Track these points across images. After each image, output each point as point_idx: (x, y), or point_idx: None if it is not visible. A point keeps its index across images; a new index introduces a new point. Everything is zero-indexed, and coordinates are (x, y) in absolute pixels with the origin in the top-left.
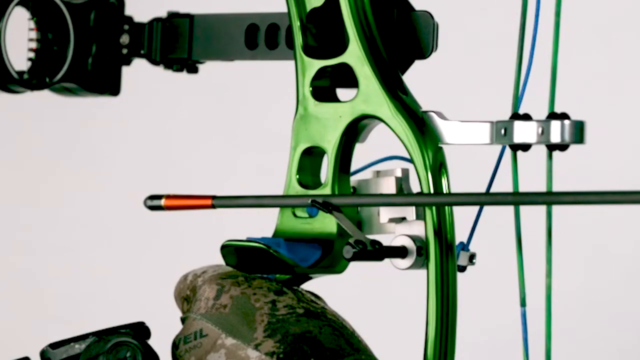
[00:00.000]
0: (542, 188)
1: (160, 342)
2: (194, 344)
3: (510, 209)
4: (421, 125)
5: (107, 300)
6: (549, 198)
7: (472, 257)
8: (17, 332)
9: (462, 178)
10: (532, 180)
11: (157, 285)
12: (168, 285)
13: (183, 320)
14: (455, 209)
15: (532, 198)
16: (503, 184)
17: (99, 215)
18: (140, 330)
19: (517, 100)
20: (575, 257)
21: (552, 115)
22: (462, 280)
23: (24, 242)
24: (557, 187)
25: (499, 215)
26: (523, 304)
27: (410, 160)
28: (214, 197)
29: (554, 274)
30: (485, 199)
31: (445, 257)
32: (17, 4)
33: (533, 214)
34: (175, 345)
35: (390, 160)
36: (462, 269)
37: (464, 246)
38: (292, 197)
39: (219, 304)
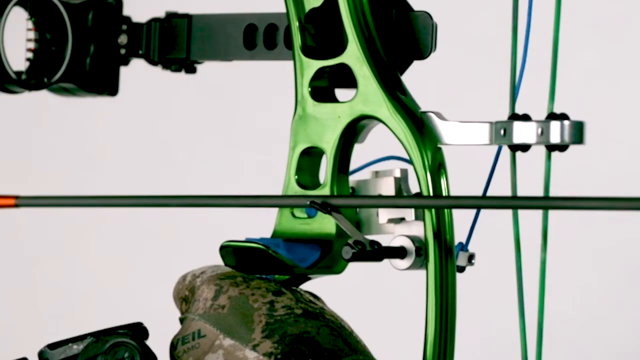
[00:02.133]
0: (541, 188)
1: (159, 343)
2: (192, 344)
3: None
4: (420, 125)
5: (105, 301)
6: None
7: (471, 258)
8: (16, 333)
9: (461, 178)
10: (531, 181)
11: (155, 286)
12: (166, 285)
13: (181, 320)
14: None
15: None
16: (502, 184)
17: (98, 215)
18: (138, 331)
19: (513, 100)
20: (574, 258)
21: (552, 116)
22: (461, 280)
23: (23, 242)
24: (556, 188)
25: (499, 215)
26: (525, 358)
27: (409, 161)
28: (17, 197)
29: (554, 274)
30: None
31: (444, 258)
32: (15, 4)
33: (532, 214)
34: (173, 346)
35: (388, 160)
36: (461, 269)
37: (463, 246)
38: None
39: (217, 304)
